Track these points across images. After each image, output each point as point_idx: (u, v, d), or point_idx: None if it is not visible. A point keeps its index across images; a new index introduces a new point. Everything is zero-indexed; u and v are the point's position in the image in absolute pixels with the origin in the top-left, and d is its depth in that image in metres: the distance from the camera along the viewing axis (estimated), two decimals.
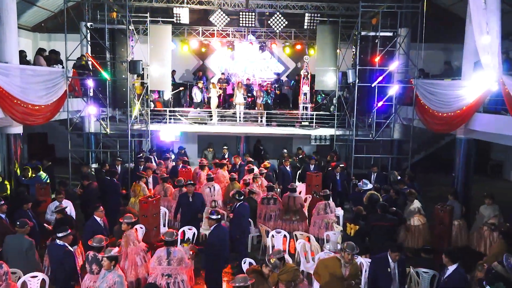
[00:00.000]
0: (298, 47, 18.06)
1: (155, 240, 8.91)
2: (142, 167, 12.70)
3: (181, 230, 9.08)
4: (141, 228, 8.91)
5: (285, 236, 9.01)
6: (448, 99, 10.66)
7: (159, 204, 9.33)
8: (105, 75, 13.11)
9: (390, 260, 6.43)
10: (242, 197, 8.94)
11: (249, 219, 9.41)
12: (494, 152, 18.15)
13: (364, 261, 7.38)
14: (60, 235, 6.47)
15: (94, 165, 15.42)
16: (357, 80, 13.05)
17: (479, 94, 9.27)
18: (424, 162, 17.01)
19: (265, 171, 12.29)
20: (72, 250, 6.76)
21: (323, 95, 16.80)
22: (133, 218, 7.46)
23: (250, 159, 14.07)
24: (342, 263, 6.24)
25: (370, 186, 10.14)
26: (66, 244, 6.53)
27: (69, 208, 9.07)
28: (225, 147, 15.65)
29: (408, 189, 10.12)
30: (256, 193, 10.53)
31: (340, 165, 12.97)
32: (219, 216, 7.46)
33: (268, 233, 9.33)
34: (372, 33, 13.46)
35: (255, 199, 10.35)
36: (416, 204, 9.64)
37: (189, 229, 9.07)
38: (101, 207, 8.00)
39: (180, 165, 12.76)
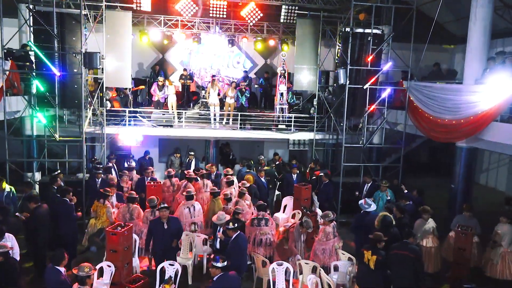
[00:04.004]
0: (272, 42, 16.55)
1: (127, 281, 7.05)
2: (99, 179, 10.67)
3: (160, 266, 7.31)
4: (109, 266, 7.03)
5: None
6: (453, 104, 9.66)
7: (131, 235, 7.46)
8: (53, 68, 10.86)
9: None
10: (236, 224, 7.30)
11: None
12: None
13: None
14: None
15: (37, 174, 13.03)
16: (347, 81, 11.80)
17: (500, 101, 8.26)
18: (395, 166, 16.20)
19: (248, 184, 10.63)
20: None
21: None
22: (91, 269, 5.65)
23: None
24: None
25: (374, 207, 8.78)
26: None
27: (12, 244, 6.83)
28: (191, 153, 13.86)
29: (417, 205, 9.05)
30: (242, 213, 8.91)
31: (325, 173, 11.78)
32: (225, 263, 5.81)
33: (265, 263, 7.84)
34: (366, 30, 12.16)
35: (242, 220, 8.75)
36: (432, 223, 8.54)
37: (171, 264, 7.33)
38: (66, 254, 5.98)
39: (149, 178, 10.83)
